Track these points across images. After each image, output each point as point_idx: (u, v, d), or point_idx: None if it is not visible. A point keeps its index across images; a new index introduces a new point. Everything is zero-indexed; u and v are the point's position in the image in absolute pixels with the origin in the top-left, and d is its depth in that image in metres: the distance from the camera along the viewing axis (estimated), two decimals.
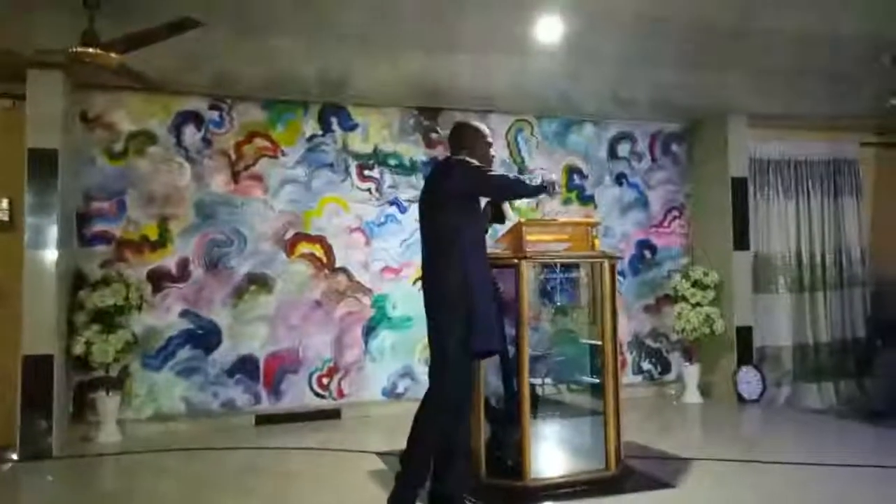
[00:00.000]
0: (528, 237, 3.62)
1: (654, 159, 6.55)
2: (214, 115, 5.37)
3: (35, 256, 4.56)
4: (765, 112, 6.13)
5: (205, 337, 5.24)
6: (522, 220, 3.82)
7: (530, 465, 3.53)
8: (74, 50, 3.15)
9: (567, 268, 4.00)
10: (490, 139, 3.45)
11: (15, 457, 4.38)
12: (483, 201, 3.43)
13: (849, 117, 6.43)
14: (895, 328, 6.26)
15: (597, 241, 3.91)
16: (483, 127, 3.48)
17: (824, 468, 4.06)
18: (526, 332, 3.58)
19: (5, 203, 4.76)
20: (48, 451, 4.42)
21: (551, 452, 3.88)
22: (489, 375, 3.77)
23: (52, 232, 4.60)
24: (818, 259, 6.74)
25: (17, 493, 3.95)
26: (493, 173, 3.26)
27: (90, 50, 3.12)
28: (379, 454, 4.32)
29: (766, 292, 6.59)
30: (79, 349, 4.63)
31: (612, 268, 3.84)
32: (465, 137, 3.41)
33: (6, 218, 4.76)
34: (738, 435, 5.30)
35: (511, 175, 3.37)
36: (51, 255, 4.59)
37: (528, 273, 3.63)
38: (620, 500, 3.51)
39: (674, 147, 6.62)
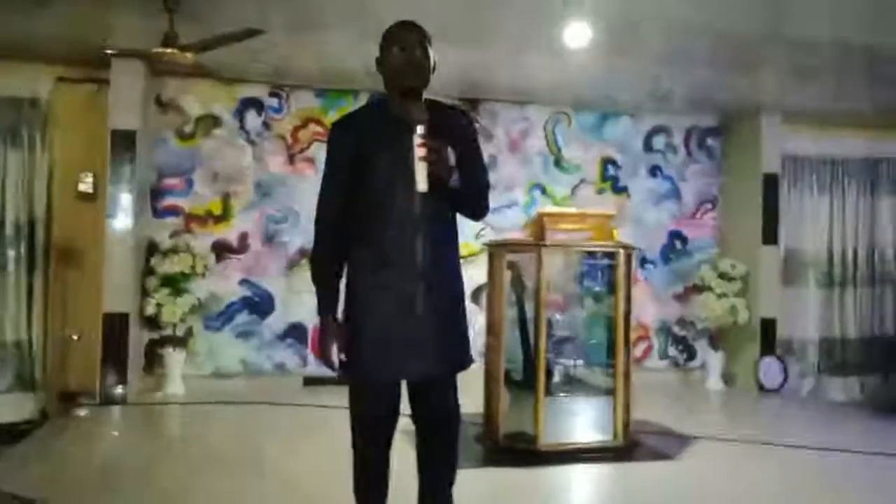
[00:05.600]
0: (549, 227, 3.97)
1: (688, 153, 6.77)
2: (273, 101, 5.86)
3: (115, 225, 5.15)
4: (800, 109, 6.27)
5: (260, 304, 5.78)
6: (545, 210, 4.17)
7: (543, 433, 3.92)
8: (157, 50, 3.63)
9: (602, 255, 4.34)
10: (395, 39, 2.30)
11: (95, 401, 4.99)
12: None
13: (888, 115, 6.49)
14: None
15: (615, 232, 4.23)
16: (390, 26, 2.34)
17: (827, 452, 4.31)
18: (544, 316, 3.94)
19: (90, 177, 5.34)
20: (123, 398, 5.02)
21: (567, 424, 4.23)
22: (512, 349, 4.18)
23: (130, 204, 5.18)
24: (850, 256, 6.88)
25: (98, 433, 4.55)
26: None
27: (170, 51, 3.60)
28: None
29: (795, 286, 6.77)
30: (150, 310, 5.22)
31: (628, 257, 4.16)
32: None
33: (91, 190, 5.34)
34: (751, 419, 5.56)
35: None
36: (128, 224, 5.17)
37: (548, 261, 3.98)
38: (622, 467, 3.90)
39: (709, 141, 6.81)
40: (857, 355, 6.84)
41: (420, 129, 2.16)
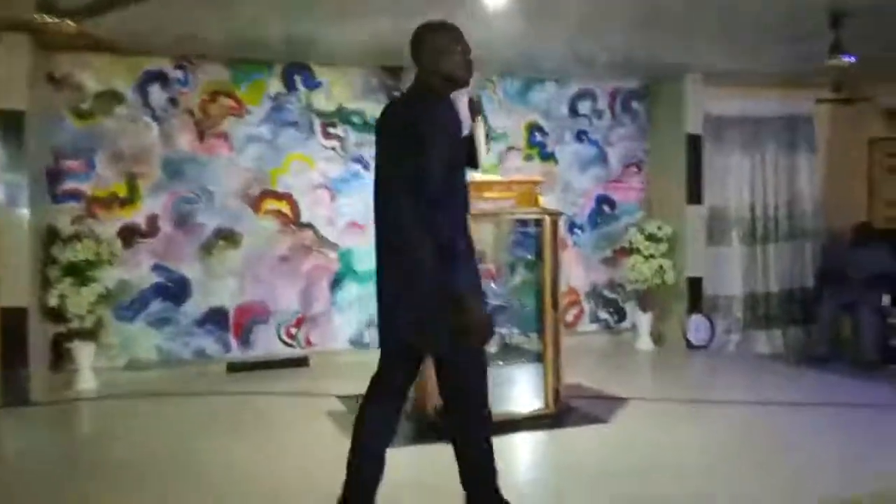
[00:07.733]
0: (474, 196, 3.82)
1: (613, 116, 6.74)
2: (179, 74, 5.49)
3: (7, 213, 4.74)
4: (721, 70, 6.30)
5: (175, 289, 5.47)
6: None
7: None
8: (32, 18, 3.28)
9: (531, 223, 4.24)
10: (457, 39, 2.57)
11: None
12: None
13: (804, 74, 6.60)
14: (840, 278, 6.58)
15: (540, 199, 4.14)
16: (446, 26, 2.57)
17: (755, 406, 4.41)
18: None
19: None
20: (27, 398, 4.67)
21: (501, 394, 4.14)
22: None
23: (24, 189, 4.77)
24: (771, 212, 7.03)
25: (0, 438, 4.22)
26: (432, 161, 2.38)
27: (47, 19, 3.25)
28: (339, 397, 4.63)
29: (719, 244, 6.88)
30: (53, 301, 4.85)
31: (554, 223, 4.08)
32: (418, 49, 2.57)
33: None
34: (681, 378, 5.64)
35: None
36: (23, 211, 4.77)
37: (474, 229, 3.83)
38: (555, 433, 3.85)
39: (633, 104, 6.80)
40: (778, 308, 7.04)
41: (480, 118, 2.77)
